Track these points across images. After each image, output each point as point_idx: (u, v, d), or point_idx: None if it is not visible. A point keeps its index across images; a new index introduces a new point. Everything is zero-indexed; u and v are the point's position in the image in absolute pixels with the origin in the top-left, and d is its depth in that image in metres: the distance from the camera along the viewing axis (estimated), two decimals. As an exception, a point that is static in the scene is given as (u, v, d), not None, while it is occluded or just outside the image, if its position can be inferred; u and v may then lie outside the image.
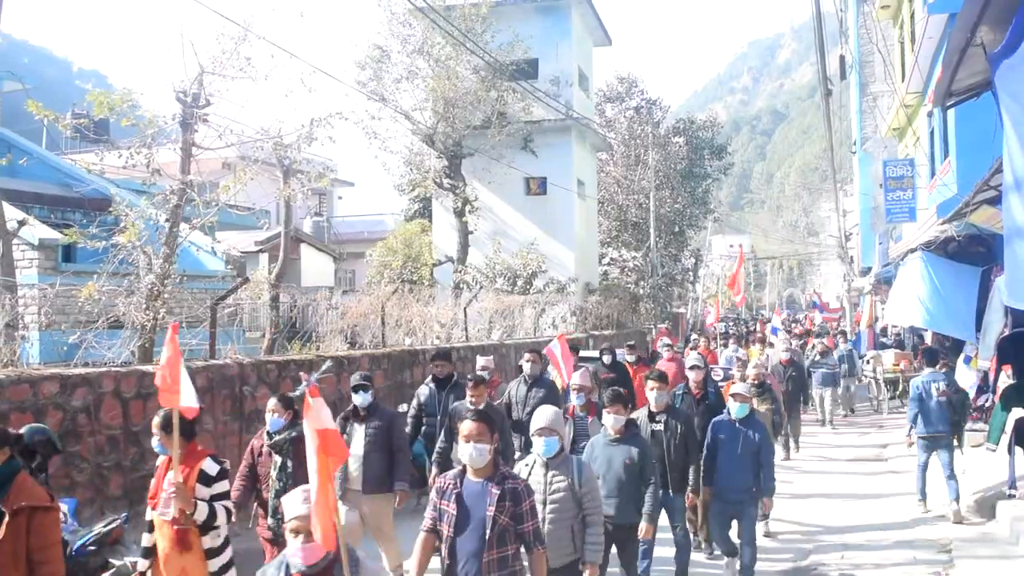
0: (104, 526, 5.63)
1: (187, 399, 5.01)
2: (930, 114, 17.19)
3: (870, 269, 27.45)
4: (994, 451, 9.86)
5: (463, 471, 4.34)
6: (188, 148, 9.20)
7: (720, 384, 9.88)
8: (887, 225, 21.09)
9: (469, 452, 4.24)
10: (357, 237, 31.14)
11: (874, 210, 24.04)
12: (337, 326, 12.68)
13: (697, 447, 7.09)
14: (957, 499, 9.25)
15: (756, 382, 10.18)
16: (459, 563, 4.18)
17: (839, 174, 28.67)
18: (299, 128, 10.61)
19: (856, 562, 8.02)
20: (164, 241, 9.03)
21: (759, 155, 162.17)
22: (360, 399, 6.76)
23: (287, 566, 3.41)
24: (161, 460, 5.22)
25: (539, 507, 4.71)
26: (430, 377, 8.53)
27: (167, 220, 9.17)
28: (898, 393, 17.97)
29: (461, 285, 20.36)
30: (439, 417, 8.08)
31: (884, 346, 21.97)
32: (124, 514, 6.16)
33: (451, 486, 4.30)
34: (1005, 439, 9.54)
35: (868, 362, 20.05)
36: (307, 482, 3.64)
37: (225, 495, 5.14)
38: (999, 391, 10.44)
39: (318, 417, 3.64)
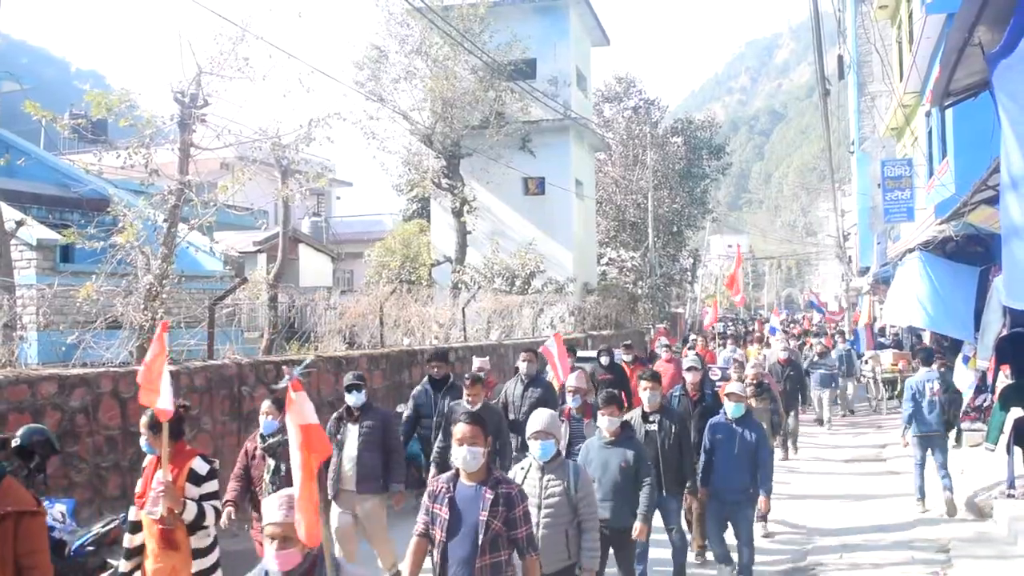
0: (102, 526, 5.63)
1: (163, 401, 4.91)
2: (928, 114, 17.20)
3: (868, 269, 27.50)
4: (993, 451, 9.89)
5: (456, 474, 4.28)
6: (186, 148, 9.19)
7: (717, 384, 9.87)
8: (885, 225, 21.14)
9: (463, 455, 4.19)
10: (355, 237, 31.11)
11: (872, 210, 24.12)
12: (335, 326, 12.68)
13: (691, 448, 7.07)
14: (951, 490, 9.34)
15: (755, 381, 10.18)
16: (451, 568, 4.12)
17: (837, 174, 28.67)
18: (297, 128, 10.63)
19: (854, 562, 8.02)
20: (162, 241, 9.03)
21: (757, 155, 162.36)
22: (353, 399, 6.74)
23: (266, 573, 3.40)
24: (148, 460, 5.18)
25: (534, 511, 4.67)
26: (426, 378, 8.53)
27: (165, 220, 9.17)
28: (896, 393, 17.96)
29: (459, 285, 20.37)
30: (434, 419, 8.08)
31: (883, 346, 21.98)
32: (122, 514, 6.13)
33: (444, 490, 4.24)
34: (1004, 439, 9.57)
35: (867, 362, 20.07)
36: None
37: (214, 495, 5.11)
38: (998, 391, 10.46)
39: (301, 412, 3.56)
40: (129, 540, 5.13)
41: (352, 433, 6.71)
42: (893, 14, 21.09)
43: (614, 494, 5.86)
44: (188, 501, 4.91)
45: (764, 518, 8.50)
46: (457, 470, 4.29)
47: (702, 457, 7.13)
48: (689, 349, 16.22)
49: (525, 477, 4.96)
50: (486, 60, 19.69)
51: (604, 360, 11.48)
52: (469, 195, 22.12)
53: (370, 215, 35.24)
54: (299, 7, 11.03)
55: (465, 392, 7.35)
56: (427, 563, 4.34)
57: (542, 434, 4.92)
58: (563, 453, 5.30)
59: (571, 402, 7.43)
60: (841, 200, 33.02)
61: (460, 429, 4.22)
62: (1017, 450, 9.28)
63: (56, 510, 5.53)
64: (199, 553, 5.02)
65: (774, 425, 9.96)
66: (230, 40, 9.25)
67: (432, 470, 7.50)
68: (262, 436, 6.20)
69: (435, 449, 7.73)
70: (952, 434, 10.98)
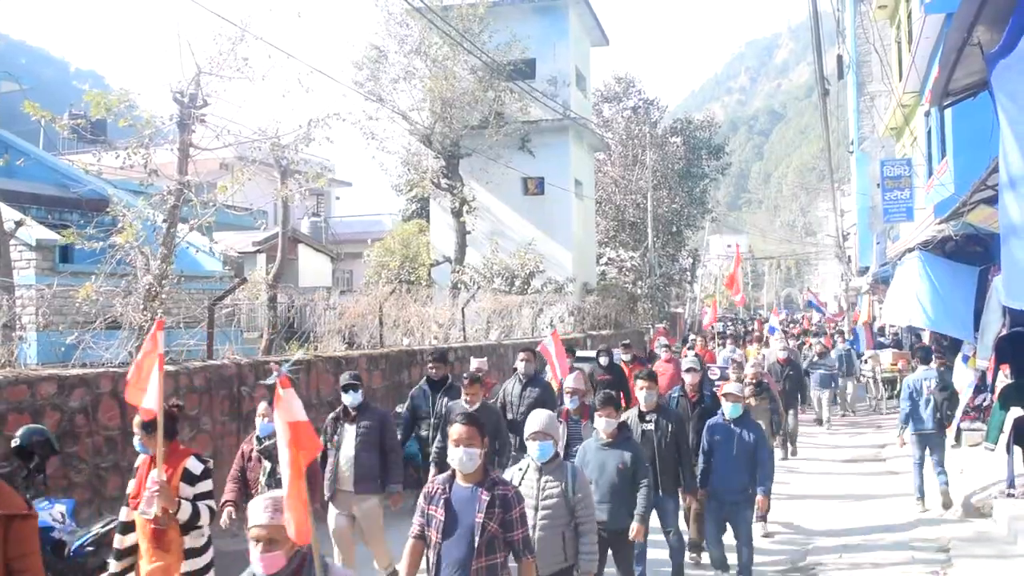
0: (102, 527, 5.61)
1: (148, 400, 4.84)
2: (927, 114, 17.21)
3: (867, 269, 27.51)
4: (993, 450, 9.89)
5: (452, 475, 4.24)
6: (185, 148, 9.18)
7: (716, 384, 9.86)
8: (884, 225, 21.14)
9: (458, 456, 4.15)
10: (355, 237, 31.08)
11: (871, 210, 24.13)
12: (335, 326, 12.66)
13: (689, 448, 7.05)
14: (946, 484, 9.46)
15: (754, 381, 10.17)
16: (446, 570, 4.09)
17: (836, 174, 28.68)
18: (296, 128, 10.61)
19: (854, 562, 8.02)
20: (161, 241, 9.02)
21: (756, 155, 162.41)
22: (350, 399, 6.70)
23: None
24: (142, 459, 5.15)
25: (531, 512, 4.64)
26: (424, 379, 8.52)
27: (164, 220, 9.16)
28: (896, 393, 17.97)
29: (459, 285, 20.36)
30: (432, 419, 8.07)
31: (882, 345, 22.00)
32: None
33: (439, 491, 4.20)
34: (1003, 438, 9.57)
35: (866, 362, 20.07)
36: None
37: (209, 495, 5.07)
38: (997, 390, 10.47)
39: (289, 409, 3.51)
40: (120, 541, 5.08)
41: (349, 433, 6.67)
42: (892, 14, 21.10)
43: (611, 496, 5.83)
44: (183, 501, 4.89)
45: (764, 518, 8.50)
46: (453, 471, 4.25)
47: (700, 459, 7.11)
48: (688, 349, 16.23)
49: (523, 478, 4.93)
50: (485, 60, 19.69)
51: (603, 360, 11.48)
52: (468, 195, 22.11)
53: (369, 215, 35.25)
54: (298, 7, 11.04)
55: (463, 392, 7.35)
56: (426, 564, 4.33)
57: (540, 435, 4.90)
58: (561, 454, 5.29)
59: (569, 403, 7.41)
60: (840, 200, 33.03)
61: (456, 430, 4.18)
62: (1017, 449, 9.29)
63: (56, 510, 5.52)
64: (193, 553, 4.99)
65: (773, 425, 9.95)
66: (229, 40, 9.24)
67: (432, 470, 7.49)
68: (258, 438, 6.18)
69: (434, 449, 7.73)
70: (952, 433, 11.01)
